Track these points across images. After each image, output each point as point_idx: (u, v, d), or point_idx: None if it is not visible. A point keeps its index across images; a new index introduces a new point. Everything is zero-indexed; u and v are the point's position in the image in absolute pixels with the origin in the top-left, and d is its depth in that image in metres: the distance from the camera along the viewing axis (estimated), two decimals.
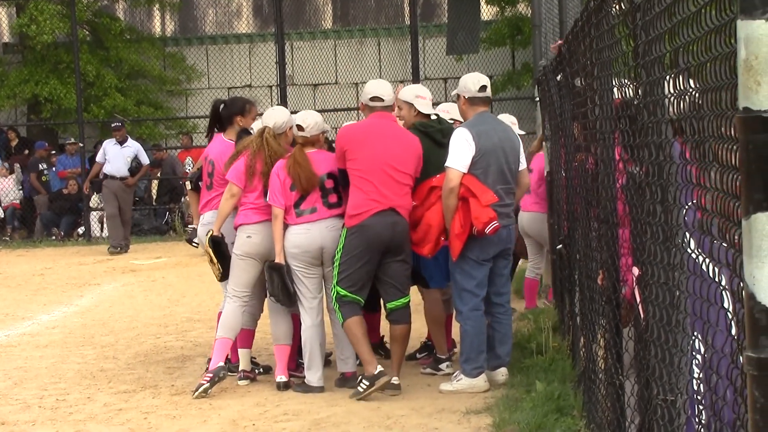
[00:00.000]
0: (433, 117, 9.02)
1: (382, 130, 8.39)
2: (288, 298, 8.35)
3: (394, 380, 8.23)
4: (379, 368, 8.09)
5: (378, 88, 8.60)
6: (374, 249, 8.17)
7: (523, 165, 8.59)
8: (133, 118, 23.59)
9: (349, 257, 8.17)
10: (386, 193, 8.19)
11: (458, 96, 8.53)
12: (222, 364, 8.42)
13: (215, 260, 8.57)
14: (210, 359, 8.74)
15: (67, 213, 22.48)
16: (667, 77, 3.52)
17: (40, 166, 22.78)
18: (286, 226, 8.32)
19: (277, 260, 8.33)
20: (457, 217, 8.09)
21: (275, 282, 8.34)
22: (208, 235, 8.58)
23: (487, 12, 23.81)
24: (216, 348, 8.54)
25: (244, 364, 8.87)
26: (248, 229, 8.49)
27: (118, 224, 19.21)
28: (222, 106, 9.24)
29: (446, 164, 8.18)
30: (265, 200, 8.39)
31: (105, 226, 20.95)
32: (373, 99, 8.52)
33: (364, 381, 8.11)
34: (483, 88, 8.43)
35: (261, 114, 9.21)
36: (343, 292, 8.18)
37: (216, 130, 9.21)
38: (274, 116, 8.65)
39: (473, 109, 8.44)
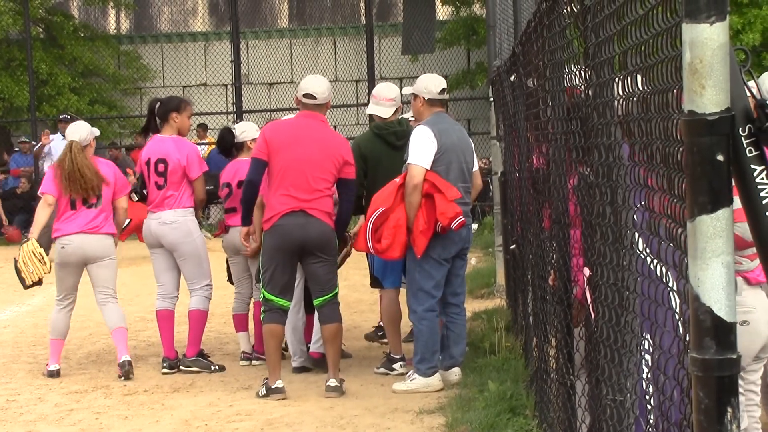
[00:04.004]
0: (402, 116, 9.13)
1: (306, 131, 8.20)
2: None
3: (332, 382, 8.18)
4: (279, 384, 8.15)
5: (312, 85, 8.32)
6: (287, 249, 8.09)
7: (475, 166, 8.62)
8: (86, 117, 23.41)
9: (266, 258, 8.17)
10: (298, 195, 8.07)
11: (414, 96, 8.56)
12: (58, 366, 9.27)
13: (46, 259, 9.19)
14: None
15: (19, 212, 22.27)
16: (617, 79, 3.54)
17: None
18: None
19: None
20: (421, 213, 8.08)
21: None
22: (28, 242, 9.21)
23: (442, 12, 23.88)
24: (51, 349, 9.38)
25: (244, 346, 9.55)
26: (63, 239, 9.13)
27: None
28: (158, 104, 9.39)
29: (409, 161, 8.16)
30: (72, 209, 9.09)
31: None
32: (305, 96, 8.28)
33: (264, 389, 8.25)
34: (443, 90, 8.52)
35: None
36: (268, 295, 8.15)
37: (151, 131, 9.54)
38: (78, 131, 9.19)
39: (431, 110, 8.48)
